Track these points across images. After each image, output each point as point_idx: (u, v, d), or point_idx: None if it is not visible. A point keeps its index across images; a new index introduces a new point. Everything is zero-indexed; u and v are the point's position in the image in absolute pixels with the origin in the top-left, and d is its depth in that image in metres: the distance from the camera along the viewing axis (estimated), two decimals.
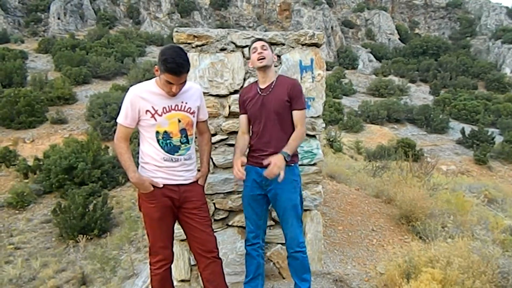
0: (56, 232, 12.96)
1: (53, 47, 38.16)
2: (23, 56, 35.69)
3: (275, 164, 2.54)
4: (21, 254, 11.79)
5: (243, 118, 2.90)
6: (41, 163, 17.26)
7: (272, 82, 2.81)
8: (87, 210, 12.83)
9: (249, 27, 55.93)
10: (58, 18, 46.76)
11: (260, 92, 2.80)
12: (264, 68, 2.77)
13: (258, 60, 2.73)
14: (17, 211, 14.86)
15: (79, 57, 34.93)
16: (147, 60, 39.80)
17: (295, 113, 2.77)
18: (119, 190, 16.65)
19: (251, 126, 2.88)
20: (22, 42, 42.07)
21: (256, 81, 2.92)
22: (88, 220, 12.50)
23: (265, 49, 2.76)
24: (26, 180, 17.22)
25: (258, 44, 2.78)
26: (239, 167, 2.68)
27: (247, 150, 2.90)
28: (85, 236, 11.96)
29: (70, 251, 11.95)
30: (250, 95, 2.83)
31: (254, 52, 2.76)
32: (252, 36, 3.15)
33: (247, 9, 59.72)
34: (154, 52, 45.08)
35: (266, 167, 2.64)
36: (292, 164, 2.80)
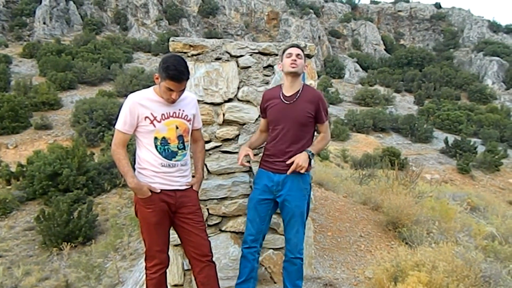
0: (39, 240, 12.74)
1: (38, 51, 37.66)
2: (7, 60, 35.10)
3: (298, 163, 2.68)
4: (3, 262, 11.55)
5: (263, 121, 3.01)
6: (25, 169, 16.97)
7: (298, 90, 2.84)
8: (71, 217, 12.67)
9: (237, 35, 56.21)
10: (44, 23, 46.17)
11: (284, 99, 2.83)
12: (293, 74, 2.80)
13: (291, 65, 2.77)
14: None
15: (65, 62, 34.54)
16: (134, 66, 39.61)
17: (321, 126, 2.89)
18: (104, 197, 16.47)
19: (270, 129, 2.91)
20: (6, 46, 41.36)
21: (280, 86, 2.94)
22: (73, 228, 12.33)
23: (299, 58, 2.81)
24: (9, 187, 16.90)
25: (294, 51, 2.81)
26: (241, 156, 2.85)
27: (263, 154, 2.96)
28: (69, 243, 11.80)
29: (54, 259, 11.75)
30: (273, 98, 2.86)
31: (289, 57, 2.80)
32: (247, 47, 3.24)
33: (235, 17, 60.06)
34: (141, 59, 44.89)
35: (279, 172, 2.79)
36: (306, 172, 2.86)
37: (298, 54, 2.81)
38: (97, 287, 9.56)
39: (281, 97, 2.84)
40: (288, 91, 2.85)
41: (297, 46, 2.88)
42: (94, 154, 18.90)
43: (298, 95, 2.82)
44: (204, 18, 58.61)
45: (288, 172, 2.70)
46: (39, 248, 12.53)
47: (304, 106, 2.80)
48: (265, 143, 2.96)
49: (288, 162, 2.72)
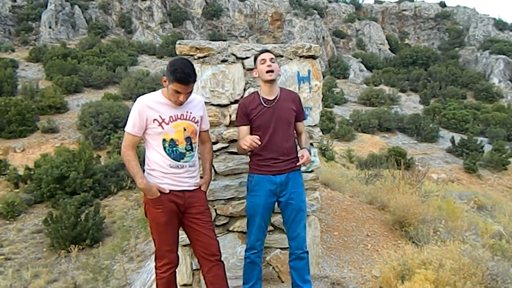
0: (47, 242, 12.85)
1: (44, 56, 37.95)
2: (13, 65, 35.41)
3: (308, 157, 2.75)
4: (12, 264, 11.66)
5: (245, 129, 2.90)
6: (32, 172, 17.13)
7: (278, 93, 2.91)
8: (79, 219, 12.75)
9: (241, 36, 56.31)
10: (50, 27, 46.58)
11: (266, 104, 2.86)
12: (272, 81, 2.85)
13: (267, 72, 2.80)
14: (7, 221, 14.69)
15: (71, 66, 34.79)
16: (139, 69, 39.82)
17: (300, 124, 2.98)
18: (111, 199, 16.57)
19: (258, 135, 2.82)
20: (13, 51, 41.77)
21: (256, 92, 2.96)
22: (80, 230, 12.43)
23: (273, 62, 2.84)
24: (17, 190, 17.07)
25: (267, 56, 2.84)
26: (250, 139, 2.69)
27: (255, 160, 2.93)
28: (77, 246, 11.90)
29: (62, 261, 11.86)
30: (255, 107, 2.87)
31: (263, 63, 2.83)
32: (252, 49, 3.27)
33: (239, 19, 60.17)
34: (146, 61, 45.12)
35: (280, 173, 2.85)
36: (299, 169, 2.97)
37: (272, 58, 2.84)
38: None
39: (264, 103, 2.87)
40: (269, 96, 2.89)
41: (268, 51, 2.93)
42: (100, 156, 19.03)
43: (279, 96, 2.89)
44: (208, 20, 58.78)
45: (300, 163, 2.75)
46: (47, 250, 12.63)
47: (288, 105, 2.88)
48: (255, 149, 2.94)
49: (301, 159, 2.74)
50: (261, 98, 2.89)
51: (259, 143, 2.68)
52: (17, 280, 10.65)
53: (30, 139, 23.88)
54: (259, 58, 2.88)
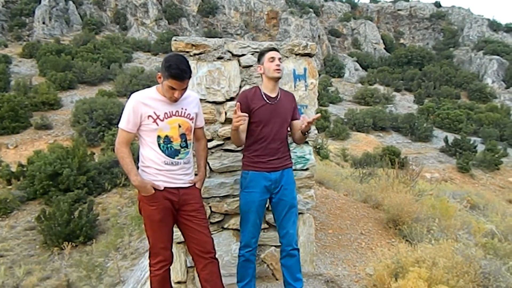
0: (40, 240, 12.77)
1: (38, 51, 37.66)
2: (6, 60, 35.12)
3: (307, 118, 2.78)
4: (4, 262, 11.58)
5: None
6: (25, 169, 17.00)
7: (279, 92, 2.95)
8: (72, 217, 12.69)
9: (237, 34, 56.22)
10: (43, 23, 46.19)
11: (268, 100, 2.88)
12: (277, 79, 2.89)
13: (276, 70, 2.83)
14: None
15: (65, 62, 34.56)
16: (133, 66, 39.62)
17: (297, 122, 2.99)
18: (105, 196, 16.50)
19: (256, 130, 2.88)
20: (6, 46, 41.42)
21: (257, 88, 2.96)
22: (73, 227, 12.37)
23: (281, 62, 2.89)
24: (9, 187, 16.94)
25: (276, 55, 2.87)
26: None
27: (250, 157, 2.93)
28: (70, 243, 11.86)
29: (55, 258, 11.79)
30: (256, 100, 2.87)
31: (272, 61, 2.84)
32: (248, 46, 3.27)
33: (235, 17, 60.06)
34: (140, 58, 44.90)
35: (275, 170, 2.87)
36: (291, 167, 3.00)
37: (280, 58, 2.89)
38: (98, 287, 9.60)
39: (266, 99, 2.89)
40: (272, 93, 2.92)
41: (277, 50, 2.94)
42: (94, 153, 18.93)
43: (279, 95, 2.94)
44: (204, 18, 58.63)
45: (303, 123, 2.76)
46: (40, 247, 12.55)
47: (287, 105, 2.94)
48: (250, 144, 2.93)
49: (305, 124, 2.75)
50: (263, 93, 2.91)
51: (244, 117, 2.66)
52: (9, 277, 10.58)
53: (23, 136, 23.70)
54: (268, 55, 2.87)
